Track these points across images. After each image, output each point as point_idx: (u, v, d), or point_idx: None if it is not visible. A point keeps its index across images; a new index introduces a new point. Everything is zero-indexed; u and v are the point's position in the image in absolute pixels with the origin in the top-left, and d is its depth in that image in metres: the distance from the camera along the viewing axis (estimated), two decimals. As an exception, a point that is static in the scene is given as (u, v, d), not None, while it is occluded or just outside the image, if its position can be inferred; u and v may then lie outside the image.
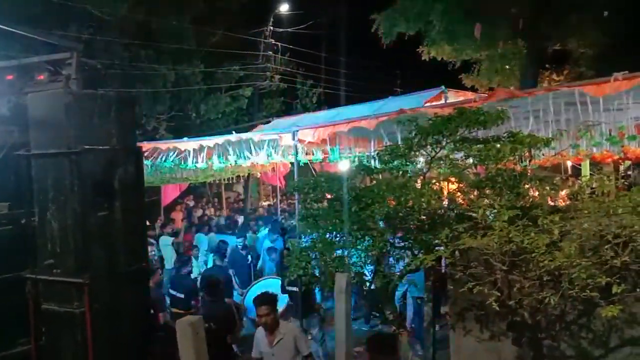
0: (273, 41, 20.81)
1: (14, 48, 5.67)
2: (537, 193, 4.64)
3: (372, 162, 6.03)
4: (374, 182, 5.30)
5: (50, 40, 4.94)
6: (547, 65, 16.41)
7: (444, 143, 4.95)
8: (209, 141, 10.58)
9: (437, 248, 4.33)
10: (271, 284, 8.99)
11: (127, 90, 12.28)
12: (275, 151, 10.79)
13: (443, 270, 5.09)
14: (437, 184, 4.83)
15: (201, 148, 10.80)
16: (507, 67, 16.53)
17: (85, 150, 4.26)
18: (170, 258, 10.98)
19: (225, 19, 17.46)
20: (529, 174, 4.71)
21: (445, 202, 4.87)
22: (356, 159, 9.16)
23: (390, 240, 4.90)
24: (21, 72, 4.98)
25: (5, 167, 4.63)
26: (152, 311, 6.11)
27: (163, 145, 11.42)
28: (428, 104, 8.76)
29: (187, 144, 10.83)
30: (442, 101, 8.42)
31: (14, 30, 4.60)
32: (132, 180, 4.69)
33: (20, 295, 4.58)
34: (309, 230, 5.34)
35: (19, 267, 4.63)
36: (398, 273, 5.08)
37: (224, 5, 17.31)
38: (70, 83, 4.53)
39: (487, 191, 4.51)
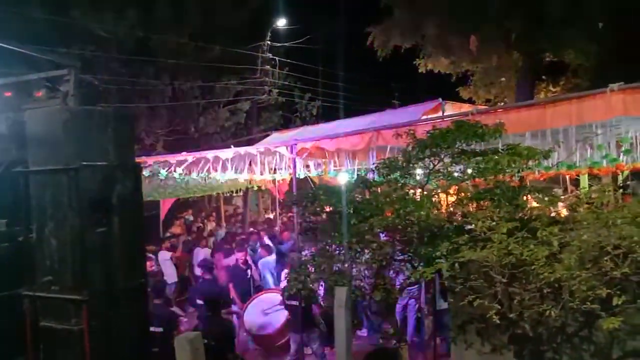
0: (271, 55, 20.93)
1: (13, 65, 5.68)
2: (535, 205, 4.65)
3: (371, 174, 6.03)
4: (373, 194, 5.30)
5: (49, 58, 4.96)
6: (543, 77, 16.50)
7: (442, 156, 4.97)
8: (209, 154, 10.59)
9: (437, 261, 4.31)
10: (271, 298, 8.97)
11: (125, 106, 12.31)
12: (274, 165, 10.81)
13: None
14: (436, 196, 4.84)
15: (201, 161, 10.81)
16: (503, 79, 16.63)
17: (83, 166, 4.25)
18: (170, 273, 10.94)
19: (223, 34, 17.56)
20: (527, 186, 4.72)
21: (445, 215, 4.87)
22: (355, 172, 9.17)
23: (390, 253, 4.89)
24: (19, 89, 4.99)
25: (3, 184, 4.62)
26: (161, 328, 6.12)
27: (162, 158, 11.43)
28: (425, 117, 8.81)
29: (187, 157, 10.84)
30: (440, 113, 8.45)
31: (12, 47, 4.61)
32: (130, 195, 4.68)
33: (17, 312, 4.54)
34: (307, 244, 5.33)
35: (17, 284, 4.60)
36: (398, 286, 5.07)
37: (221, 21, 17.42)
38: (68, 100, 4.53)
39: (486, 203, 4.52)
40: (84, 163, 4.24)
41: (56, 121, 4.35)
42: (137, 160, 5.73)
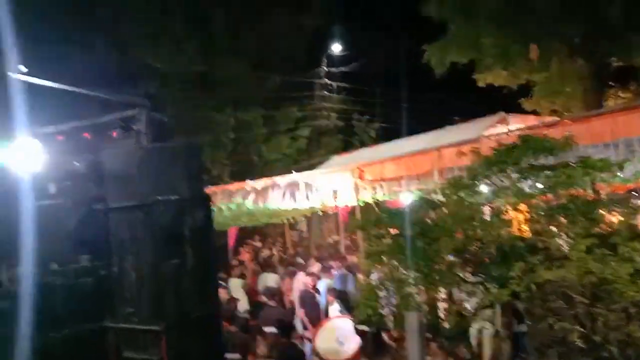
0: (328, 81, 21.23)
1: (88, 107, 6.06)
2: (614, 219, 4.42)
3: (435, 194, 5.94)
4: (439, 215, 5.22)
5: (121, 100, 5.26)
6: (611, 83, 15.76)
7: (509, 172, 4.83)
8: (272, 181, 10.81)
9: (511, 281, 4.17)
10: (342, 324, 8.91)
11: (191, 139, 12.78)
12: (336, 189, 10.86)
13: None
14: (506, 214, 4.70)
15: (266, 189, 11.04)
16: (568, 88, 16.00)
17: (157, 201, 4.45)
18: (242, 300, 11.11)
19: (281, 63, 18.02)
20: (603, 199, 4.50)
21: (516, 233, 4.72)
22: (418, 192, 9.06)
23: (461, 275, 4.77)
24: (96, 130, 5.32)
25: (85, 222, 4.90)
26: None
27: (229, 188, 11.75)
28: (488, 131, 8.62)
29: (252, 185, 11.09)
30: (503, 127, 8.25)
31: (88, 92, 4.93)
32: (202, 227, 4.84)
33: (102, 344, 4.76)
34: (374, 268, 5.29)
35: (101, 317, 4.83)
36: (471, 309, 4.92)
37: (278, 51, 17.90)
38: (141, 138, 4.79)
39: (560, 219, 4.34)
40: (158, 198, 4.45)
41: (131, 159, 4.61)
42: (207, 191, 5.96)
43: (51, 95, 5.09)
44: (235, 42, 16.52)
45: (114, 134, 5.12)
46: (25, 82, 4.27)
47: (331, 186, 10.96)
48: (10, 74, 3.99)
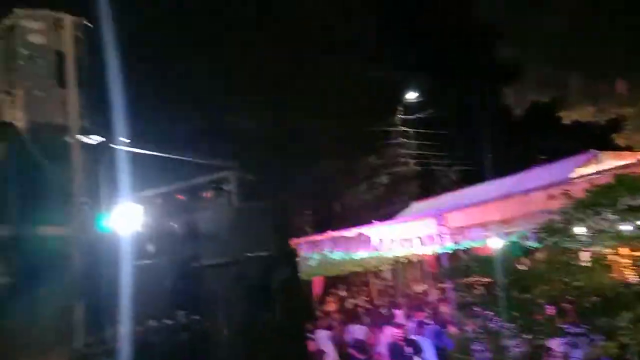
0: (404, 128, 21.30)
1: (181, 170, 6.48)
2: None
3: (527, 240, 5.72)
4: (533, 262, 5.01)
5: (213, 163, 5.59)
6: None
7: (605, 214, 4.58)
8: (354, 232, 10.83)
9: (619, 332, 3.89)
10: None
11: (277, 198, 13.18)
12: (418, 237, 10.67)
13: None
14: (607, 259, 4.43)
15: (348, 238, 11.07)
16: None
17: (247, 258, 4.62)
18: (330, 352, 10.99)
19: (358, 112, 18.33)
20: None
21: (619, 279, 4.42)
22: (507, 238, 8.71)
23: (561, 327, 4.50)
24: (190, 192, 5.66)
25: (181, 279, 5.15)
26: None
27: (313, 239, 11.90)
28: (579, 171, 8.22)
29: (334, 236, 11.17)
30: (595, 167, 7.84)
31: (184, 158, 5.29)
32: (289, 280, 4.95)
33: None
34: (467, 319, 5.12)
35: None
36: (576, 362, 4.60)
37: (355, 100, 18.25)
38: (231, 198, 5.04)
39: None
40: (248, 255, 4.63)
41: (223, 219, 4.85)
42: (291, 242, 6.11)
43: (149, 161, 5.51)
44: (312, 97, 17.09)
45: (207, 195, 5.43)
46: (127, 152, 4.66)
47: (414, 234, 10.80)
48: (115, 146, 4.38)
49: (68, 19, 3.68)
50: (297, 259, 5.31)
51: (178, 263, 5.14)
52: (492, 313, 4.81)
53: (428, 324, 10.65)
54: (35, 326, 3.88)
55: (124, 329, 4.64)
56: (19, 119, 3.59)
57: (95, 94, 3.92)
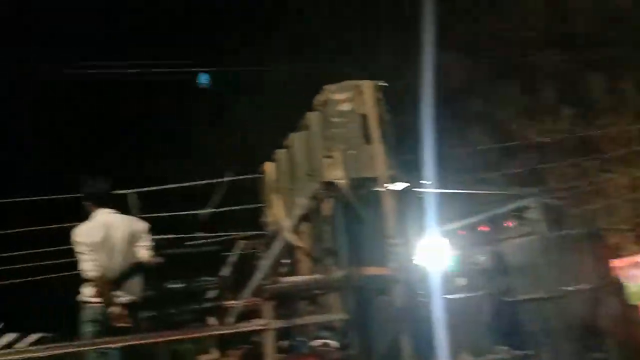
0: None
1: (480, 201, 6.47)
2: None
3: None
4: None
5: (516, 193, 5.44)
6: None
7: None
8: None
9: None
10: None
11: (590, 223, 11.93)
12: None
13: None
14: None
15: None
16: None
17: (567, 292, 4.31)
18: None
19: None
20: None
21: None
22: None
23: None
24: (492, 222, 5.59)
25: (497, 314, 5.07)
26: None
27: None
28: None
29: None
30: None
31: (488, 192, 5.29)
32: (622, 315, 4.41)
33: None
34: None
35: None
36: None
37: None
38: (537, 226, 4.79)
39: None
40: (568, 289, 4.30)
41: (532, 249, 4.63)
42: (615, 267, 5.41)
43: (450, 196, 5.67)
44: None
45: (509, 224, 5.28)
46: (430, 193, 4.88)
47: None
48: (418, 189, 4.64)
49: (367, 85, 4.12)
50: (625, 288, 4.73)
51: (492, 297, 5.09)
52: None
53: None
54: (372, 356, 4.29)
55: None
56: (339, 177, 4.14)
57: (396, 144, 4.26)
